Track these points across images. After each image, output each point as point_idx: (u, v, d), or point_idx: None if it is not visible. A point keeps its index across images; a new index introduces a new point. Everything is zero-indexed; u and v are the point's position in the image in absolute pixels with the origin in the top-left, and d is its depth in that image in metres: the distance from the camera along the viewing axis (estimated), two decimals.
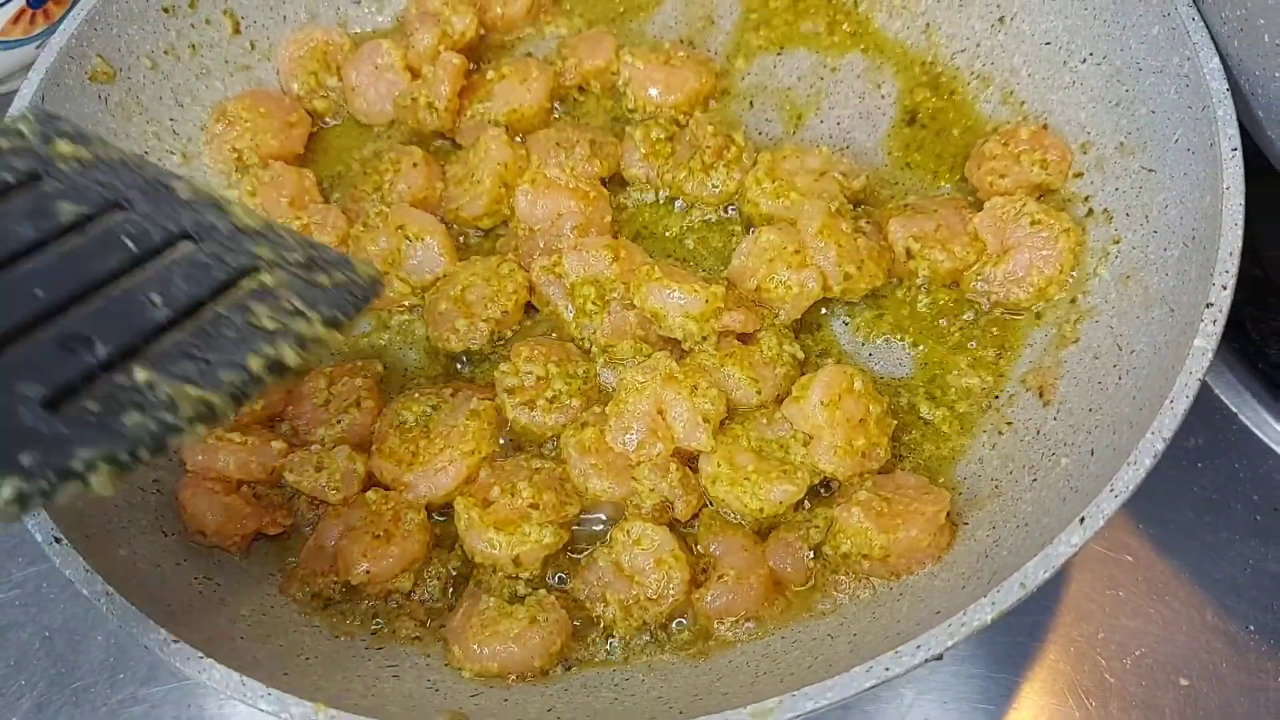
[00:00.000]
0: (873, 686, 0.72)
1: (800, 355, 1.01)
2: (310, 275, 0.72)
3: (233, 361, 0.63)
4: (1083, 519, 0.76)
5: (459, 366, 1.08)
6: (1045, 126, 1.09)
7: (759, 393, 0.98)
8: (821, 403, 0.93)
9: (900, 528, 0.88)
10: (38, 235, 0.64)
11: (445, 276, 1.09)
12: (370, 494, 0.96)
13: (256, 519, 0.97)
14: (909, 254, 1.05)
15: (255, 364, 0.64)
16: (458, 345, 1.05)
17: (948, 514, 0.90)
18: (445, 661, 0.90)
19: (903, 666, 0.72)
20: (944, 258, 1.03)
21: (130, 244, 0.67)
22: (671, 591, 0.91)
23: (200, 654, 0.78)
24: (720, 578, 0.90)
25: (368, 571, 0.92)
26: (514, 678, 0.88)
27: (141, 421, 0.58)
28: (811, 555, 0.93)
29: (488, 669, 0.88)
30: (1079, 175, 1.05)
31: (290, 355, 0.66)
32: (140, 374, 0.60)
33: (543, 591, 0.92)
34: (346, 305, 0.72)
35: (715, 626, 0.91)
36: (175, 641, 0.79)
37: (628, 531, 0.93)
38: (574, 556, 0.97)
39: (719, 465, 0.94)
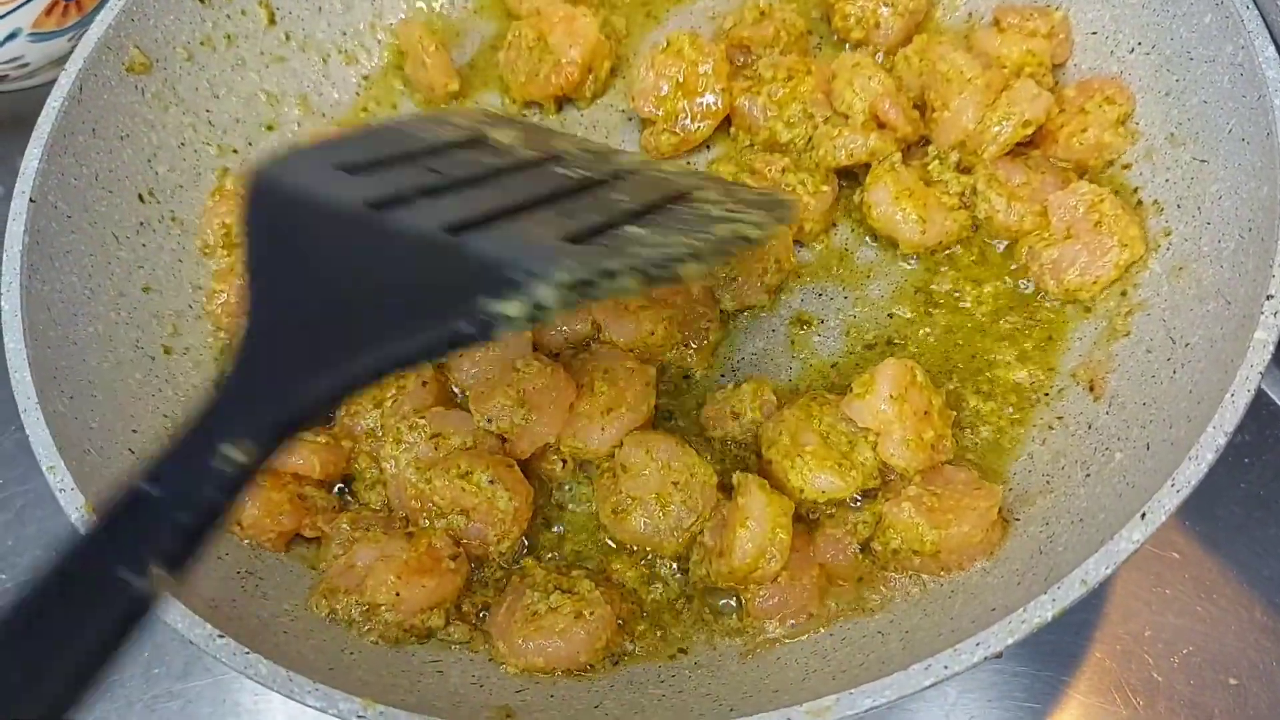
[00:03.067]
0: (931, 685, 0.71)
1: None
2: (738, 195, 0.86)
3: (701, 231, 0.74)
4: (1144, 515, 0.74)
5: None
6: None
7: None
8: (891, 396, 0.91)
9: (952, 523, 0.87)
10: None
11: None
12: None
13: (295, 519, 0.96)
14: (976, 190, 1.05)
15: (721, 230, 0.76)
16: None
17: (1000, 509, 0.89)
18: (489, 657, 0.89)
19: (962, 665, 0.71)
20: (1003, 210, 1.03)
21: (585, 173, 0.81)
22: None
23: (247, 650, 0.77)
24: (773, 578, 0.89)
25: (398, 595, 0.88)
26: (560, 673, 0.87)
27: (645, 252, 0.67)
28: (859, 550, 0.92)
29: (533, 664, 0.87)
30: (1127, 167, 1.04)
31: (750, 230, 0.78)
32: (635, 230, 0.71)
33: (588, 584, 0.91)
34: (772, 215, 0.84)
35: (766, 624, 0.90)
36: (221, 637, 0.78)
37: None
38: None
39: (781, 433, 0.93)
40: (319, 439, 0.98)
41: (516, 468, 0.96)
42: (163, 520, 0.57)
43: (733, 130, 1.16)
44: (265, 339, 0.63)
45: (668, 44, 1.13)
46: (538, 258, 0.60)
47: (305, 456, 0.96)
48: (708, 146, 1.17)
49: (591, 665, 0.88)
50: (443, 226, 0.63)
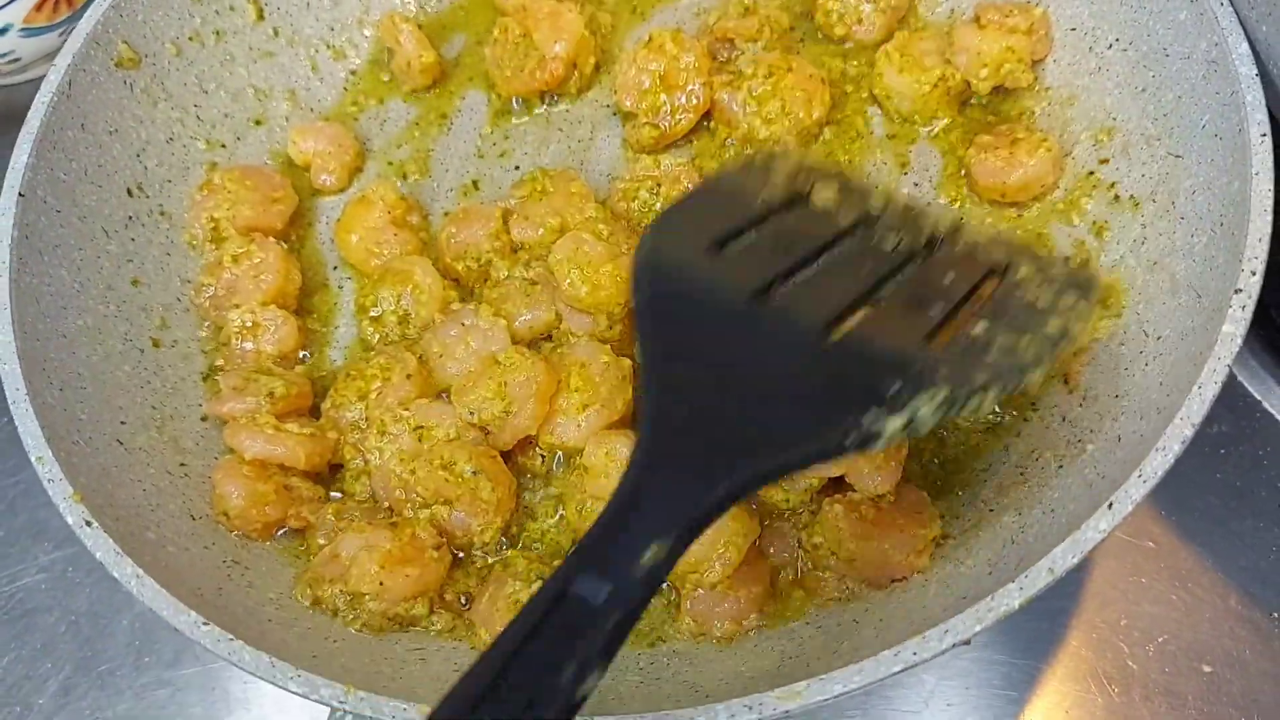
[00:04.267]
0: (900, 671, 0.72)
1: None
2: (1049, 272, 0.82)
3: (1032, 325, 0.74)
4: (1111, 505, 0.75)
5: None
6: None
7: None
8: None
9: (874, 540, 0.89)
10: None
11: None
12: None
13: (281, 509, 0.97)
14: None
15: (1053, 327, 0.75)
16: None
17: (934, 538, 0.91)
18: (472, 645, 0.91)
19: (930, 652, 0.72)
20: None
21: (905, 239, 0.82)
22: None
23: (230, 637, 0.79)
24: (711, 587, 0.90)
25: (381, 584, 0.89)
26: None
27: (1000, 361, 0.67)
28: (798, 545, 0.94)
29: None
30: (1105, 162, 1.05)
31: (1075, 325, 0.76)
32: (984, 329, 0.71)
33: None
34: (1088, 300, 0.80)
35: (715, 625, 0.90)
36: (206, 624, 0.79)
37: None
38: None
39: None
40: (305, 430, 1.00)
41: (499, 458, 0.97)
42: (600, 624, 0.57)
43: (712, 125, 1.17)
44: (672, 435, 0.64)
45: (650, 39, 1.15)
46: (922, 371, 0.63)
47: (291, 447, 0.97)
48: (689, 140, 1.18)
49: None
50: (823, 323, 0.66)
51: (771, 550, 0.94)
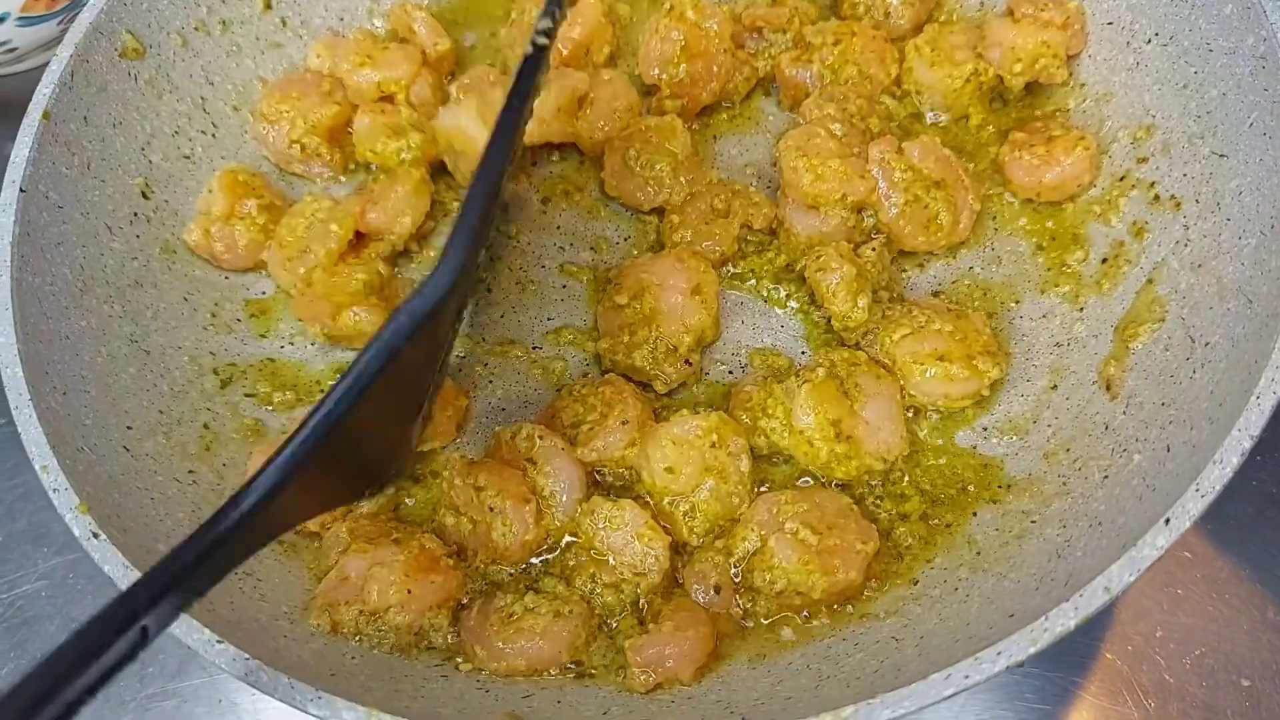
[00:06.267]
0: (952, 695, 0.69)
1: None
2: None
3: None
4: (1168, 520, 0.72)
5: None
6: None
7: None
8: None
9: (838, 570, 0.87)
10: None
11: None
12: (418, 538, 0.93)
13: None
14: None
15: None
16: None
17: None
18: (466, 660, 0.87)
19: (983, 674, 0.69)
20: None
21: None
22: (654, 562, 0.90)
23: (247, 656, 0.75)
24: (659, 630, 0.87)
25: (409, 593, 0.87)
26: (552, 672, 0.86)
27: None
28: (736, 584, 0.91)
29: (514, 667, 0.85)
30: (1144, 160, 1.02)
31: None
32: None
33: (552, 580, 0.91)
34: None
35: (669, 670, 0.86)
36: (220, 643, 0.76)
37: (593, 514, 0.92)
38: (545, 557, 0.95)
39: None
40: None
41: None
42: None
43: (782, 100, 1.16)
44: None
45: (671, 7, 1.12)
46: None
47: None
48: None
49: (567, 664, 0.87)
50: None
51: (696, 587, 0.91)
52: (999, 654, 0.69)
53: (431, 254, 1.12)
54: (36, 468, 0.84)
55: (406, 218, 1.08)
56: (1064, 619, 0.70)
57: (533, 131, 1.09)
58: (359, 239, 1.07)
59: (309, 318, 1.03)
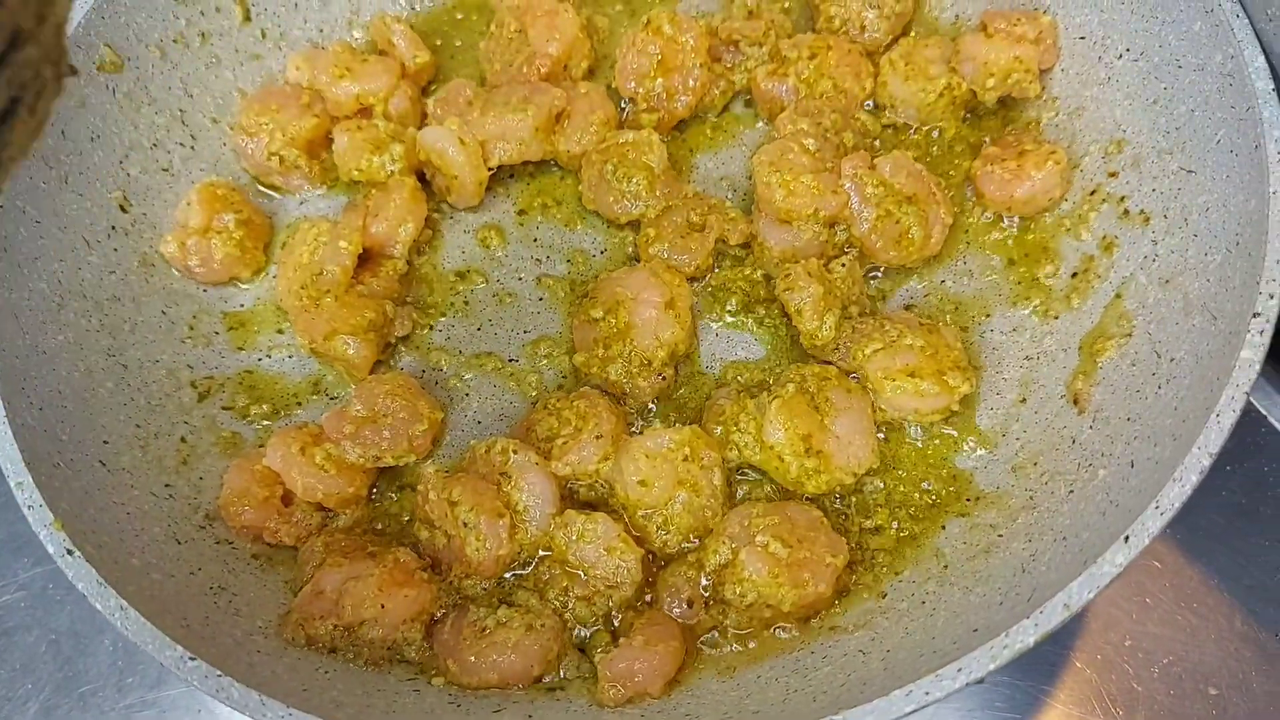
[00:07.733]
0: (912, 711, 0.70)
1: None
2: None
3: None
4: (1127, 538, 0.74)
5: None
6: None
7: None
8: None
9: (809, 583, 0.88)
10: None
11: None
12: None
13: (264, 518, 0.96)
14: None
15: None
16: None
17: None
18: (439, 674, 0.88)
19: (943, 690, 0.70)
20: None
21: None
22: (627, 575, 0.91)
23: (218, 672, 0.76)
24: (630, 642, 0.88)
25: (383, 607, 0.88)
26: (522, 687, 0.87)
27: None
28: (706, 596, 0.92)
29: (486, 680, 0.86)
30: (1114, 175, 1.03)
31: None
32: None
33: (525, 593, 0.92)
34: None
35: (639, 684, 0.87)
36: (192, 659, 0.77)
37: (566, 527, 0.92)
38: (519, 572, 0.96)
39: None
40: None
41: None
42: None
43: (759, 114, 1.17)
44: None
45: (648, 21, 1.13)
46: None
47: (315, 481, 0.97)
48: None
49: (540, 678, 0.88)
50: None
51: (669, 600, 0.92)
52: (959, 670, 0.71)
53: (427, 268, 1.13)
54: (11, 484, 0.84)
55: (409, 224, 1.09)
56: (1024, 636, 0.72)
57: (511, 152, 1.10)
58: (362, 258, 1.08)
59: (302, 330, 1.04)
